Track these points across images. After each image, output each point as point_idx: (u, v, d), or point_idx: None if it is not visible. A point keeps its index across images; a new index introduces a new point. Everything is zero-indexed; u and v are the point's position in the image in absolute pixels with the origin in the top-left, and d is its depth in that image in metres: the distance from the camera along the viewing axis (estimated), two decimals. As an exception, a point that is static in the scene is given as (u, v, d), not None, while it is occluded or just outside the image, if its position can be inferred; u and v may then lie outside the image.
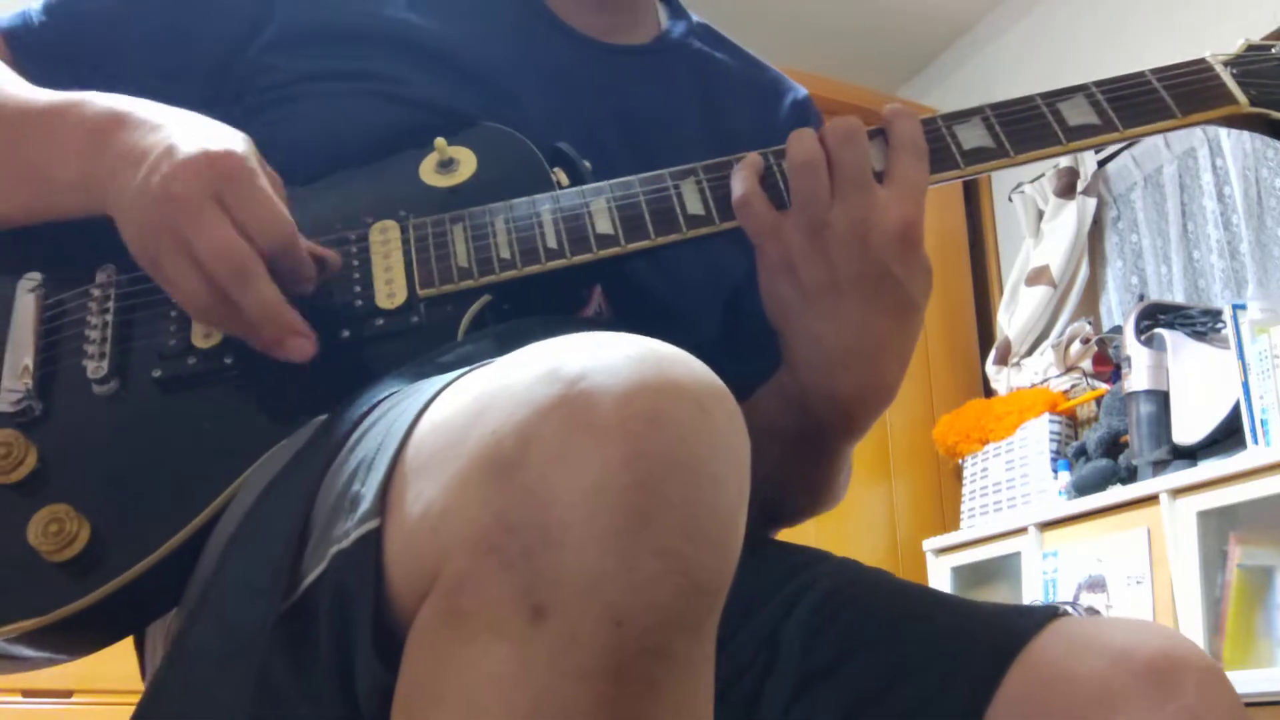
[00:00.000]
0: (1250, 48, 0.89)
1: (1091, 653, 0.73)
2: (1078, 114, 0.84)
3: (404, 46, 0.89)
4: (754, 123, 1.02)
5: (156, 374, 0.76)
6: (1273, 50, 0.89)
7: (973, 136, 0.83)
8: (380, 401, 0.66)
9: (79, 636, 0.73)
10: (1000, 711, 0.73)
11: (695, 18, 1.05)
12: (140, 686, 0.86)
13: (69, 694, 2.39)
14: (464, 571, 0.50)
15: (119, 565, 0.70)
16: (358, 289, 0.78)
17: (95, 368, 0.75)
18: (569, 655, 0.48)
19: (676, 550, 0.48)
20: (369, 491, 0.57)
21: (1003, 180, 3.62)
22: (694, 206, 0.81)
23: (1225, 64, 0.87)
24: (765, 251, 0.81)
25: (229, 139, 0.74)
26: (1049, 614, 0.77)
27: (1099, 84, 0.85)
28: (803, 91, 1.08)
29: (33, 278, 0.80)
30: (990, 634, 0.76)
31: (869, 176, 0.79)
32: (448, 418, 0.55)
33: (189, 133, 0.74)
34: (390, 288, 0.78)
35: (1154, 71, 0.86)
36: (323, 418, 0.70)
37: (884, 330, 0.81)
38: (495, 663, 0.48)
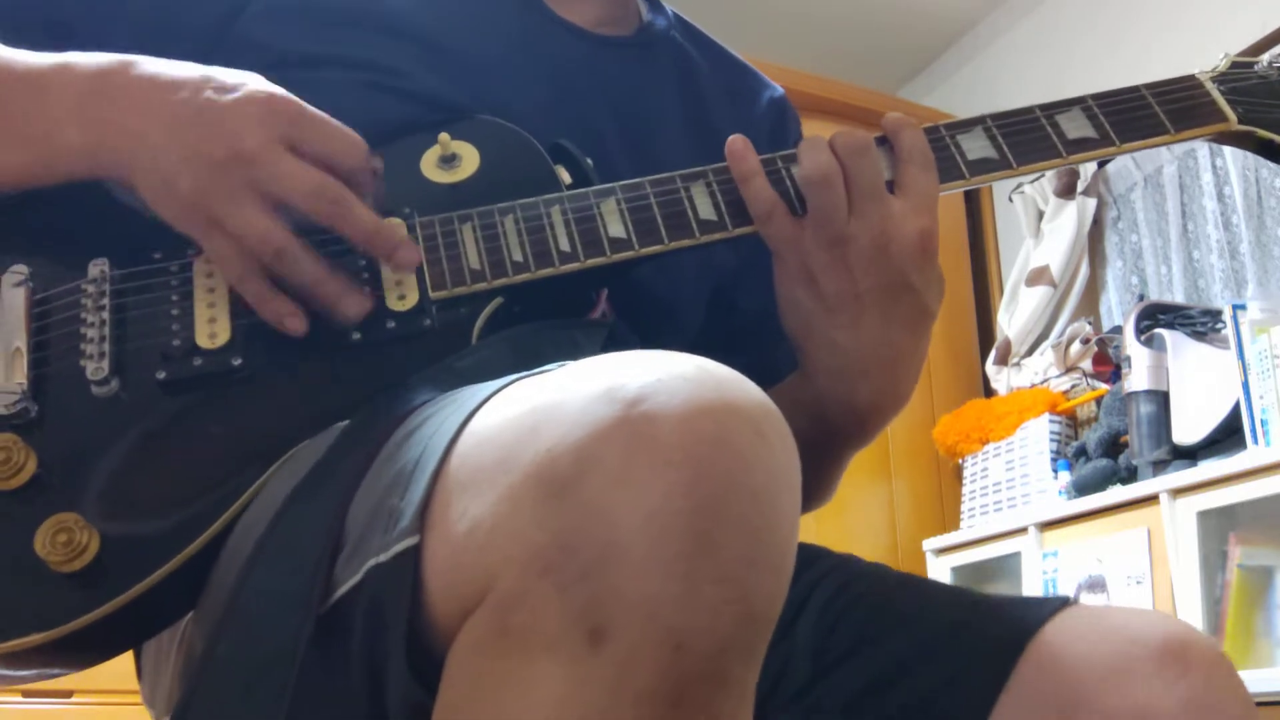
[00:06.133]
0: (1234, 64, 0.91)
1: (1101, 637, 0.72)
2: (1075, 127, 0.86)
3: (399, 35, 0.88)
4: (732, 119, 1.01)
5: (161, 375, 0.73)
6: (1255, 67, 0.90)
7: (976, 147, 0.85)
8: (414, 410, 0.65)
9: (84, 650, 0.70)
10: (1011, 700, 0.72)
11: (671, 10, 1.05)
12: (138, 687, 0.85)
13: (69, 694, 2.39)
14: (516, 591, 0.49)
15: (132, 576, 0.67)
16: (366, 289, 0.76)
17: (95, 368, 0.72)
18: (628, 679, 0.47)
19: (738, 577, 0.48)
20: (409, 507, 0.56)
21: (1003, 180, 3.61)
22: (705, 211, 0.81)
23: (1214, 80, 0.89)
24: (786, 262, 0.81)
25: (260, 80, 0.74)
26: (1058, 603, 0.76)
27: (1095, 97, 0.87)
28: (779, 90, 1.08)
29: (19, 271, 0.75)
30: (999, 625, 0.76)
31: (883, 188, 0.80)
32: (495, 433, 0.54)
33: (218, 83, 0.73)
34: (400, 289, 0.76)
35: (1148, 87, 0.88)
36: (344, 423, 0.69)
37: (901, 339, 0.82)
38: (551, 684, 0.48)
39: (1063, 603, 0.77)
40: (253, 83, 0.74)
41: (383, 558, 0.56)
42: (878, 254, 0.79)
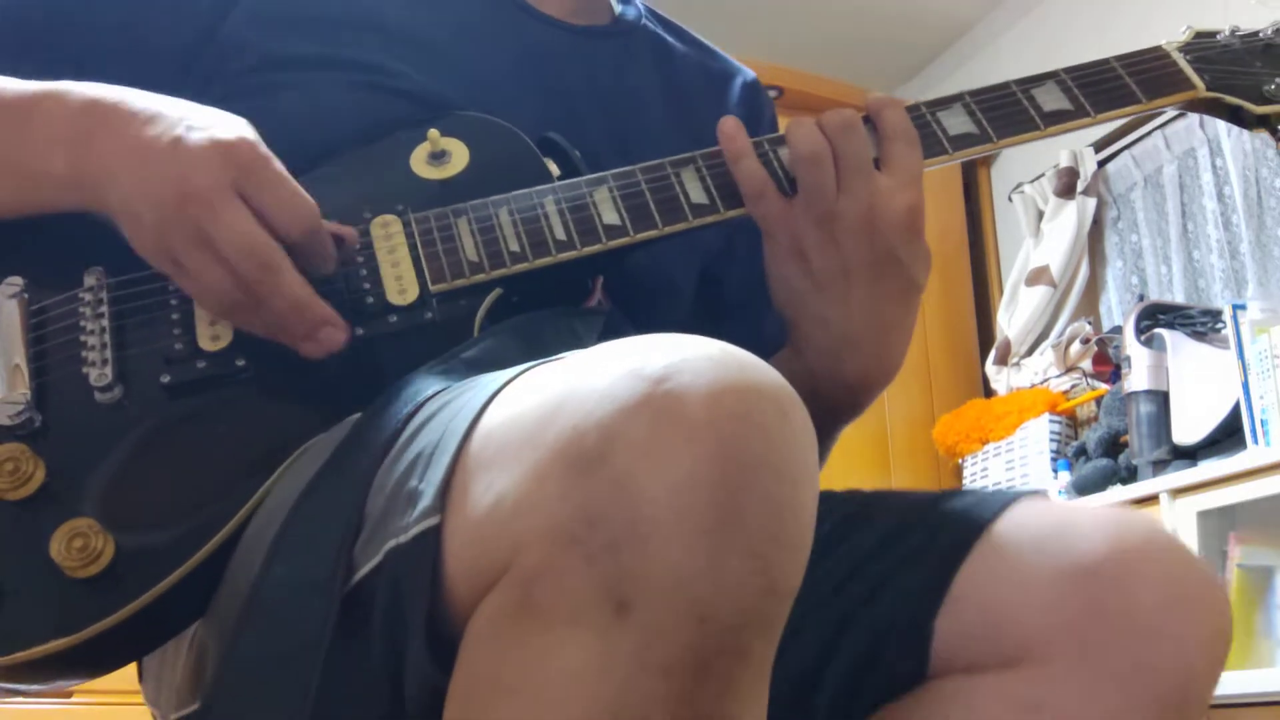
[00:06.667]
0: (1198, 35, 0.93)
1: (1013, 577, 0.72)
2: (1051, 100, 0.87)
3: (386, 34, 0.88)
4: (711, 102, 1.03)
5: (165, 380, 0.73)
6: (1218, 37, 0.93)
7: (956, 123, 0.86)
8: (429, 399, 0.66)
9: (98, 658, 0.70)
10: (949, 619, 0.73)
11: (639, 1, 1.06)
12: (137, 687, 0.85)
13: (69, 694, 2.39)
14: (541, 563, 0.49)
15: (148, 579, 0.67)
16: (366, 285, 0.77)
17: (98, 375, 0.72)
18: (652, 650, 0.48)
19: (761, 553, 0.49)
20: (429, 488, 0.56)
21: (1003, 180, 3.62)
22: (697, 195, 0.82)
23: (1179, 50, 0.91)
24: (776, 240, 0.82)
25: (235, 125, 0.73)
26: (1022, 493, 0.76)
27: (1068, 71, 0.89)
28: (750, 74, 1.09)
29: (13, 283, 0.76)
30: (956, 512, 0.76)
31: (870, 165, 0.81)
32: (519, 414, 0.55)
33: (191, 123, 0.72)
34: (400, 284, 0.77)
35: (1117, 59, 0.90)
36: (355, 417, 0.69)
37: (890, 312, 0.83)
38: (575, 654, 0.48)
39: (1029, 493, 0.77)
40: (223, 125, 0.72)
41: (402, 539, 0.57)
42: (866, 229, 0.80)
